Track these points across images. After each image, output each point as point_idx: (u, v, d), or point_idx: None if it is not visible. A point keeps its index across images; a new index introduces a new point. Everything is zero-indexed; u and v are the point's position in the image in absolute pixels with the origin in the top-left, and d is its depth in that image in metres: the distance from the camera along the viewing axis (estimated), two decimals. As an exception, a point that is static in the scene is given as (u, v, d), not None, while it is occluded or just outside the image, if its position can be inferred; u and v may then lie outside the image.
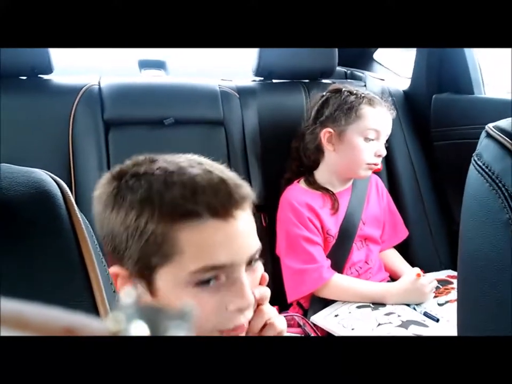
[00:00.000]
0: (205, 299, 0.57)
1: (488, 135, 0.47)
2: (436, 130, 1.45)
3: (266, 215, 1.32)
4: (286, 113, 1.40)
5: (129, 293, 0.18)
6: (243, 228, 0.59)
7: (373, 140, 1.17)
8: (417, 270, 1.17)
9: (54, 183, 0.32)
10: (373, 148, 1.17)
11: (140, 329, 0.17)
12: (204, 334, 0.59)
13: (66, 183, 1.19)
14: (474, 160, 0.48)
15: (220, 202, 0.57)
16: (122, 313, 0.17)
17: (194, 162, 0.60)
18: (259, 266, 0.64)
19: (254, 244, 0.61)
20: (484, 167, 0.45)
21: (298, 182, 1.25)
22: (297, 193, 1.21)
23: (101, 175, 1.25)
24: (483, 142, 0.48)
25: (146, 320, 0.17)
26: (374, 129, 1.17)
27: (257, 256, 0.62)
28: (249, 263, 0.60)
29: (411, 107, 1.52)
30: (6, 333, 0.16)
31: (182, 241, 0.56)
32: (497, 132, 0.46)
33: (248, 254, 0.59)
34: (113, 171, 0.63)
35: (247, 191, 0.61)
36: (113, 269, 0.57)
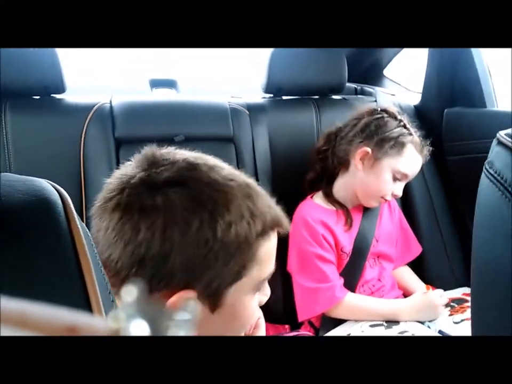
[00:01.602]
0: (256, 301, 0.63)
1: (500, 143, 0.46)
2: (448, 144, 1.44)
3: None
4: (296, 129, 1.40)
5: (130, 292, 0.17)
6: None
7: (399, 180, 1.16)
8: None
9: (55, 192, 0.31)
10: (395, 187, 1.16)
11: (140, 328, 0.17)
12: (241, 334, 0.65)
13: (78, 202, 1.19)
14: (486, 169, 0.46)
15: (275, 214, 0.61)
16: (123, 312, 0.17)
17: (232, 176, 0.61)
18: None
19: None
20: (495, 175, 0.44)
21: (312, 197, 1.24)
22: (311, 209, 1.19)
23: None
24: (494, 149, 0.46)
25: (147, 319, 0.17)
26: (405, 173, 1.15)
27: None
28: None
29: (423, 122, 1.51)
30: (8, 331, 0.15)
31: (261, 252, 0.58)
32: (509, 140, 0.45)
33: None
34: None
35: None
36: (182, 294, 0.54)
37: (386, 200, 1.18)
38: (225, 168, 0.61)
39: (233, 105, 1.39)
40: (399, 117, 1.18)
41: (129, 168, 0.61)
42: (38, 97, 1.29)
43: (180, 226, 0.53)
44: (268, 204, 0.60)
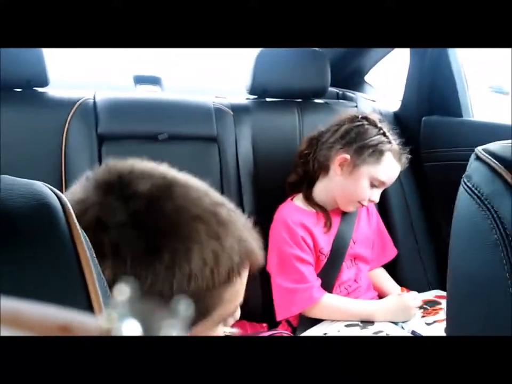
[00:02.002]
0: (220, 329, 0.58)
1: (478, 158, 0.48)
2: (425, 151, 1.48)
3: (259, 229, 1.32)
4: (279, 131, 1.41)
5: (122, 291, 0.17)
6: None
7: (376, 186, 1.18)
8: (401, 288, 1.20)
9: (54, 196, 0.32)
10: (372, 193, 1.18)
11: (132, 328, 0.17)
12: None
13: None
14: (464, 182, 0.49)
15: (251, 249, 0.56)
16: (115, 312, 0.17)
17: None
18: None
19: None
20: (473, 188, 0.47)
21: (292, 199, 1.26)
22: (291, 211, 1.22)
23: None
24: (472, 164, 0.49)
25: (139, 319, 0.17)
26: (383, 181, 1.18)
27: None
28: None
29: (401, 128, 1.54)
30: (1, 330, 0.15)
31: (226, 295, 0.53)
32: (486, 155, 0.47)
33: None
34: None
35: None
36: None
37: (363, 205, 1.21)
38: (195, 190, 0.53)
39: (218, 105, 1.40)
40: (379, 125, 1.21)
41: (87, 192, 0.51)
42: (20, 90, 1.27)
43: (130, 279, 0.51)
44: (239, 238, 0.53)
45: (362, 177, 1.17)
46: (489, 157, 0.45)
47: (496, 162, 0.43)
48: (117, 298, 0.17)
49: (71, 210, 0.32)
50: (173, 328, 0.17)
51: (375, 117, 1.25)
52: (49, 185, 0.36)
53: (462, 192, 0.49)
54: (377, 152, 1.16)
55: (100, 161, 1.25)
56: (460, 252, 0.49)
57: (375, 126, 1.21)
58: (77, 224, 0.31)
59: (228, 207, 0.55)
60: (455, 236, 0.50)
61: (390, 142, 1.19)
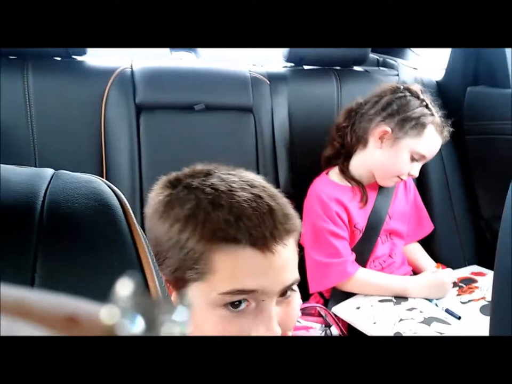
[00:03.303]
0: (231, 322, 0.57)
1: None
2: (468, 123, 1.42)
3: (293, 202, 1.32)
4: (316, 100, 1.38)
5: (125, 285, 0.17)
6: (280, 263, 0.58)
7: (416, 160, 1.16)
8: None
9: (113, 194, 0.32)
10: (412, 167, 1.16)
11: (135, 322, 0.17)
12: None
13: (99, 165, 1.20)
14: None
15: (262, 234, 0.56)
16: (118, 306, 0.17)
17: (246, 184, 0.59)
18: (295, 298, 0.62)
19: (289, 278, 0.59)
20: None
21: (327, 173, 1.25)
22: (326, 186, 1.20)
23: (132, 158, 1.26)
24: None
25: (142, 314, 0.17)
26: (424, 155, 1.15)
27: (293, 287, 0.61)
28: (283, 293, 0.60)
29: (444, 99, 1.48)
30: (7, 320, 0.15)
31: (217, 262, 0.56)
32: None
33: (281, 286, 0.59)
34: (170, 177, 0.64)
35: (295, 223, 0.60)
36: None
37: (402, 179, 1.18)
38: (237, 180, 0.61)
39: (254, 74, 1.37)
40: (421, 96, 1.17)
41: None
42: (59, 58, 1.28)
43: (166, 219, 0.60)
44: (242, 217, 0.56)
45: (403, 150, 1.14)
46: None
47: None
48: (121, 293, 0.17)
49: (129, 209, 0.32)
50: (176, 323, 0.17)
51: (417, 88, 1.20)
52: (107, 182, 0.36)
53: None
54: (419, 125, 1.13)
55: (138, 131, 1.26)
56: (508, 243, 0.47)
57: (418, 97, 1.17)
58: (135, 222, 0.32)
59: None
60: (505, 227, 0.49)
61: (432, 114, 1.15)
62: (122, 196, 0.33)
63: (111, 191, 0.33)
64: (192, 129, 1.29)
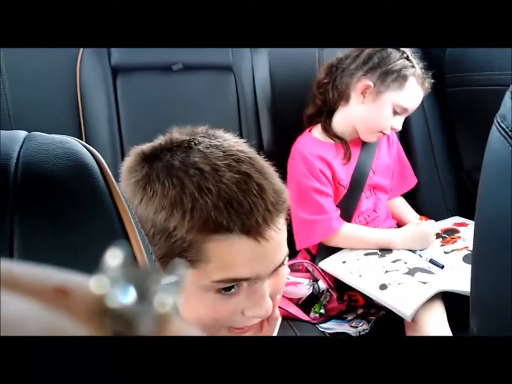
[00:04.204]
0: (223, 303, 0.57)
1: (514, 97, 0.46)
2: (449, 76, 1.42)
3: (276, 163, 1.31)
4: (297, 57, 1.36)
5: (114, 255, 0.16)
6: (273, 247, 0.56)
7: (399, 114, 1.15)
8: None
9: (89, 154, 0.32)
10: (394, 121, 1.16)
11: (126, 293, 0.16)
12: (212, 330, 0.58)
13: (77, 129, 1.18)
14: (497, 122, 0.47)
15: (254, 221, 0.54)
16: (108, 276, 0.16)
17: (232, 160, 0.55)
18: (284, 270, 0.62)
19: (281, 257, 0.59)
20: (507, 130, 0.45)
21: (310, 131, 1.24)
22: (309, 144, 1.20)
23: (111, 121, 1.22)
24: (507, 103, 0.47)
25: (133, 284, 0.16)
26: (406, 108, 1.15)
27: (284, 262, 0.60)
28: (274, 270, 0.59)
29: (424, 51, 1.47)
30: None
31: (210, 251, 0.54)
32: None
33: (274, 267, 0.58)
34: (145, 149, 0.58)
35: (284, 198, 0.58)
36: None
37: (384, 134, 1.18)
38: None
39: (233, 31, 1.34)
40: (401, 48, 1.16)
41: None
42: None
43: (147, 204, 0.57)
44: (230, 201, 0.53)
45: (386, 104, 1.14)
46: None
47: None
48: (110, 263, 0.16)
49: (107, 168, 0.32)
50: (167, 291, 0.17)
51: None
52: (82, 142, 0.35)
53: (494, 133, 0.48)
54: (401, 77, 1.13)
55: (116, 94, 1.23)
56: (489, 194, 0.48)
57: (398, 49, 1.15)
58: (114, 181, 0.31)
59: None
60: (485, 178, 0.49)
61: (413, 66, 1.15)
62: (99, 155, 0.32)
63: (87, 151, 0.32)
64: (172, 91, 1.26)
